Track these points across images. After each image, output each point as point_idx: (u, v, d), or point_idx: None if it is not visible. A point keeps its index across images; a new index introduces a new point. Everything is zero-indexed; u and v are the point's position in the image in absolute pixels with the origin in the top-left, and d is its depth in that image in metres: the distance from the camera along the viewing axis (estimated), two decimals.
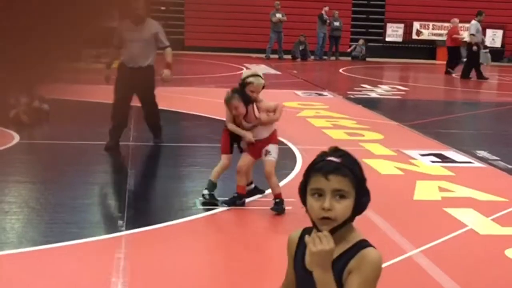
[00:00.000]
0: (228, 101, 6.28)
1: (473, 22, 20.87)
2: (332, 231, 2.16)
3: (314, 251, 2.10)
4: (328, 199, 2.16)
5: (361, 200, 2.22)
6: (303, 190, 2.24)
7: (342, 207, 2.17)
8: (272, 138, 6.43)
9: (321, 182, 2.17)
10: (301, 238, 2.29)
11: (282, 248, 5.34)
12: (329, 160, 2.20)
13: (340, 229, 2.19)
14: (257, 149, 6.31)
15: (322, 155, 2.25)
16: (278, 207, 6.11)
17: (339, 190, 2.17)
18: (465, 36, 21.77)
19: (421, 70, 21.12)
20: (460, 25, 22.61)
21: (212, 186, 6.30)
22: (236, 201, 6.22)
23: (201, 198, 6.52)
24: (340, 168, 2.18)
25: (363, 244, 2.23)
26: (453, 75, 20.85)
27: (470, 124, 12.47)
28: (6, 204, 6.12)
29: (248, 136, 6.22)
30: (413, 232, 5.78)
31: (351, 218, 2.23)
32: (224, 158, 6.37)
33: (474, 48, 20.54)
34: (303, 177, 2.25)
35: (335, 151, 2.27)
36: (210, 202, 6.23)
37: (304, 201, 2.25)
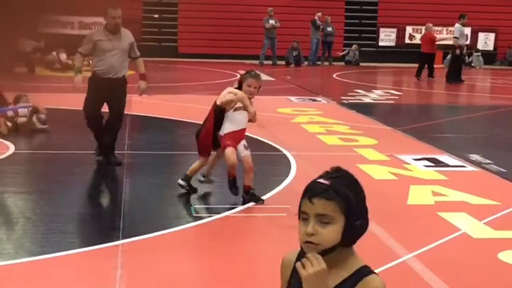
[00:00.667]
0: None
1: (457, 25, 20.92)
2: (322, 254, 2.04)
3: (306, 275, 2.01)
4: (312, 224, 2.06)
5: (353, 225, 2.08)
6: (298, 212, 2.15)
7: (327, 232, 2.05)
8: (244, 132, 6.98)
9: (306, 206, 2.08)
10: (297, 260, 2.15)
11: (276, 255, 5.37)
12: (317, 182, 2.10)
13: (329, 253, 2.06)
14: (237, 139, 6.75)
15: (318, 176, 2.14)
16: (255, 198, 6.66)
17: (322, 215, 2.05)
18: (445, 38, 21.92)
19: (414, 74, 21.19)
20: (446, 28, 22.60)
21: (188, 178, 6.93)
22: (254, 196, 6.71)
23: (196, 206, 6.57)
24: (326, 191, 2.06)
25: (364, 270, 2.11)
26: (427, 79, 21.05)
27: (463, 128, 12.54)
28: (2, 215, 6.14)
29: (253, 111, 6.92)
30: (407, 236, 5.83)
31: (343, 243, 2.08)
32: (204, 160, 7.01)
33: (457, 51, 20.66)
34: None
35: (331, 172, 2.15)
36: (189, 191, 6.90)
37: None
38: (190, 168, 7.03)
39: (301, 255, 2.14)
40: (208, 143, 6.93)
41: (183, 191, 7.08)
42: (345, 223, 2.06)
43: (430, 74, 21.28)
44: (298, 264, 2.05)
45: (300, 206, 2.12)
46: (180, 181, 7.00)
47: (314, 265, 2.01)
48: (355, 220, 2.08)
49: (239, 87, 6.91)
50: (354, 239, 2.12)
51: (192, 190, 7.03)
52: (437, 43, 21.93)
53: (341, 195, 2.07)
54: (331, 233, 2.05)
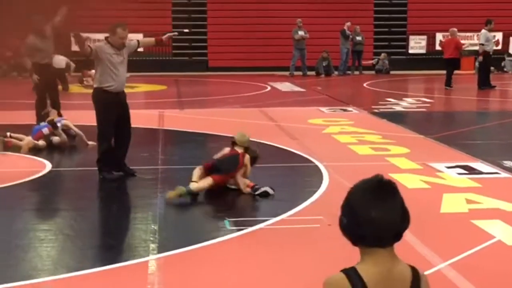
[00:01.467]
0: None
1: (483, 31, 20.65)
2: None
3: None
4: None
5: None
6: None
7: None
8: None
9: None
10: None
11: (310, 266, 5.41)
12: None
13: None
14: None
15: None
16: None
17: None
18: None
19: (444, 84, 21.05)
20: (477, 34, 22.24)
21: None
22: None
23: (230, 219, 6.64)
24: None
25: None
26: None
27: (496, 134, 12.44)
28: (41, 232, 6.28)
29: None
30: (441, 245, 5.82)
31: None
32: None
33: (479, 58, 20.42)
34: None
35: None
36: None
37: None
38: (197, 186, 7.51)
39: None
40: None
41: (216, 204, 7.17)
42: None
43: (448, 83, 20.39)
44: None
45: None
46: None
47: None
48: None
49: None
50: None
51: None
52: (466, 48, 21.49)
53: None
54: None
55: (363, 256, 2.20)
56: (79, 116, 11.87)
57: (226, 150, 8.06)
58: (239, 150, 7.96)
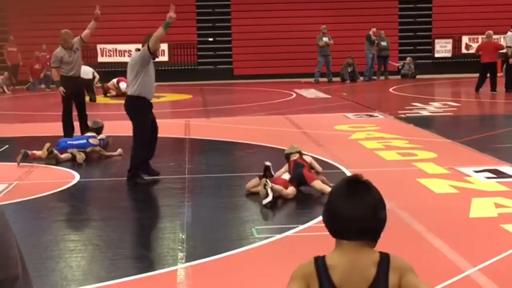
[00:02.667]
0: None
1: (509, 34, 20.41)
2: None
3: None
4: None
5: None
6: None
7: None
8: None
9: None
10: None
11: None
12: None
13: None
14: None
15: None
16: None
17: None
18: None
19: (472, 85, 20.83)
20: (503, 36, 21.97)
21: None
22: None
23: (257, 227, 6.65)
24: None
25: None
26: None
27: None
28: (71, 243, 6.34)
29: None
30: (470, 250, 5.78)
31: None
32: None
33: (511, 61, 20.18)
34: None
35: None
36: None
37: None
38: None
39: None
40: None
41: (243, 212, 7.20)
42: None
43: (493, 87, 20.08)
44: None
45: None
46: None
47: None
48: None
49: None
50: None
51: None
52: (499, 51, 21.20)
53: None
54: None
55: (335, 246, 2.42)
56: (111, 126, 11.95)
57: (285, 167, 8.33)
58: (294, 157, 8.29)
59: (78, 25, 15.04)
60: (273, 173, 8.16)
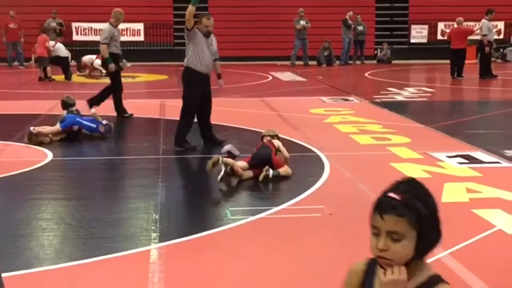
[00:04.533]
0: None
1: (484, 21, 20.51)
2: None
3: (385, 281, 2.04)
4: (383, 240, 2.06)
5: (425, 239, 2.06)
6: (370, 224, 2.14)
7: (399, 249, 2.04)
8: None
9: (377, 221, 2.07)
10: (367, 270, 2.20)
11: (311, 256, 5.43)
12: (388, 197, 2.07)
13: (407, 266, 2.06)
14: None
15: (387, 190, 2.10)
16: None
17: (393, 232, 2.04)
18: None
19: (447, 71, 20.99)
20: (479, 23, 22.04)
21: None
22: None
23: (231, 208, 6.66)
24: (396, 207, 2.03)
25: (436, 278, 2.11)
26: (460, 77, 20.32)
27: (497, 123, 12.44)
28: (43, 221, 6.30)
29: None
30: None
31: (416, 257, 2.07)
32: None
33: (487, 49, 20.34)
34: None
35: (401, 184, 2.11)
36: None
37: None
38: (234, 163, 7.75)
39: (372, 263, 2.19)
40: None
41: (218, 193, 7.22)
42: (417, 237, 2.04)
43: (460, 73, 20.42)
44: (380, 270, 2.08)
45: (371, 219, 2.11)
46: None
47: (395, 273, 2.03)
48: (427, 234, 2.06)
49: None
50: (427, 252, 2.10)
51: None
52: (469, 38, 21.37)
53: (413, 210, 2.03)
54: (403, 249, 2.04)
55: (424, 260, 2.17)
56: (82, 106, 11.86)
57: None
58: (265, 140, 8.36)
59: None
60: (236, 153, 8.13)
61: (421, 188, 2.11)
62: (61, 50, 20.79)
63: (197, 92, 9.60)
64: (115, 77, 12.52)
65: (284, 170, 7.94)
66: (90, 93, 13.39)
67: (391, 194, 2.06)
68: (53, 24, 24.87)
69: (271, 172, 7.77)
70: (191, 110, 9.65)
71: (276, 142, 8.36)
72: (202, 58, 9.60)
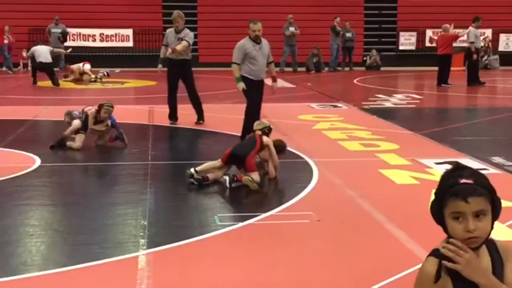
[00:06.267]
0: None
1: (471, 29, 20.66)
2: (481, 244, 2.35)
3: (462, 265, 2.28)
4: (471, 221, 2.30)
5: (497, 211, 2.36)
6: (438, 212, 2.39)
7: (484, 225, 2.31)
8: None
9: (461, 206, 2.30)
10: (438, 269, 2.38)
11: (300, 262, 5.43)
12: (463, 183, 2.32)
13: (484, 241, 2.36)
14: None
15: (454, 176, 2.36)
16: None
17: (479, 211, 2.30)
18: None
19: (435, 78, 21.09)
20: (459, 30, 22.19)
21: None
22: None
23: (219, 214, 6.66)
24: (476, 189, 2.31)
25: (492, 240, 2.40)
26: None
27: (485, 130, 12.51)
28: (30, 227, 6.27)
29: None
30: (429, 240, 5.82)
31: (492, 228, 2.36)
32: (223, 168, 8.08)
33: (474, 56, 20.47)
34: (438, 200, 2.40)
35: (461, 170, 2.39)
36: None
37: (439, 221, 2.41)
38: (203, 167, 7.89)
39: (439, 260, 2.37)
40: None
41: (205, 199, 7.20)
42: (492, 211, 2.34)
43: (445, 80, 20.36)
44: (448, 264, 2.31)
45: (443, 207, 2.35)
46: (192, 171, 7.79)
47: (463, 254, 2.29)
48: (497, 206, 2.36)
49: None
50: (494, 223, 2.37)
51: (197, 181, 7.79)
52: (454, 45, 21.45)
53: (486, 188, 2.33)
54: (487, 225, 2.32)
55: None
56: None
57: None
58: (256, 134, 8.35)
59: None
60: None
61: (475, 170, 2.40)
62: (43, 55, 20.43)
63: (254, 93, 10.31)
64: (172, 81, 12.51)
65: (254, 177, 7.64)
66: (79, 99, 13.35)
67: (465, 180, 2.32)
68: (57, 31, 24.93)
69: (227, 180, 7.67)
70: (254, 107, 10.29)
71: (266, 140, 8.21)
72: (254, 66, 10.19)
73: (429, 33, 29.32)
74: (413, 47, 29.49)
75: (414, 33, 29.46)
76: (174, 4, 28.19)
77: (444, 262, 2.31)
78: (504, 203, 6.95)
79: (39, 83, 20.23)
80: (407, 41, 29.53)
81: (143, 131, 11.87)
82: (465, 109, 16.55)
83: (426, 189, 7.52)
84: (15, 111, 14.12)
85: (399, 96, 17.73)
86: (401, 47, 29.49)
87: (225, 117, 13.18)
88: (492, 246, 2.40)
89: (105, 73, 22.28)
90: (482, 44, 24.55)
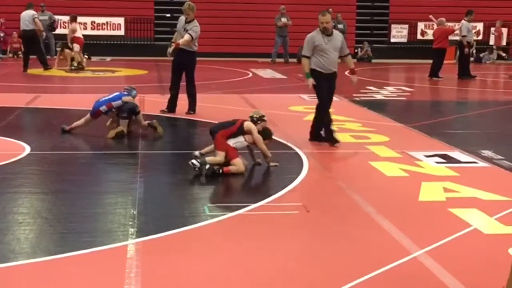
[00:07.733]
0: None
1: (463, 22, 20.66)
2: None
3: None
4: None
5: None
6: None
7: None
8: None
9: None
10: None
11: (290, 252, 5.44)
12: None
13: None
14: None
15: None
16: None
17: None
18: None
19: (426, 71, 21.10)
20: (459, 24, 22.18)
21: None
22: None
23: (209, 204, 6.66)
24: None
25: None
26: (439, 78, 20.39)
27: (474, 124, 12.56)
28: (19, 215, 6.25)
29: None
30: (418, 233, 5.88)
31: None
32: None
33: (466, 50, 20.50)
34: None
35: None
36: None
37: None
38: (211, 159, 7.83)
39: None
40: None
41: (196, 189, 7.20)
42: None
43: (436, 73, 20.38)
44: None
45: None
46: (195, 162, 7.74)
47: None
48: None
49: None
50: None
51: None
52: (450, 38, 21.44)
53: None
54: None
55: None
56: (63, 100, 11.79)
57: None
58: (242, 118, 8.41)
59: None
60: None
61: None
62: (24, 22, 19.93)
63: (324, 88, 9.86)
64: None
65: (234, 166, 7.82)
66: (69, 87, 13.29)
67: None
68: (45, 18, 24.77)
69: (206, 167, 7.70)
70: (324, 105, 9.93)
71: (247, 125, 8.21)
72: (323, 58, 9.69)
73: (420, 26, 29.35)
74: (404, 40, 29.50)
75: (406, 26, 29.46)
76: None
77: None
78: (492, 197, 7.05)
79: (29, 71, 20.11)
80: (398, 33, 29.54)
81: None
82: (455, 102, 16.59)
83: (415, 182, 7.58)
84: (4, 98, 14.04)
85: (390, 88, 17.76)
86: (392, 40, 29.50)
87: (214, 107, 13.17)
88: None
89: (86, 56, 22.20)
90: (475, 37, 24.58)
